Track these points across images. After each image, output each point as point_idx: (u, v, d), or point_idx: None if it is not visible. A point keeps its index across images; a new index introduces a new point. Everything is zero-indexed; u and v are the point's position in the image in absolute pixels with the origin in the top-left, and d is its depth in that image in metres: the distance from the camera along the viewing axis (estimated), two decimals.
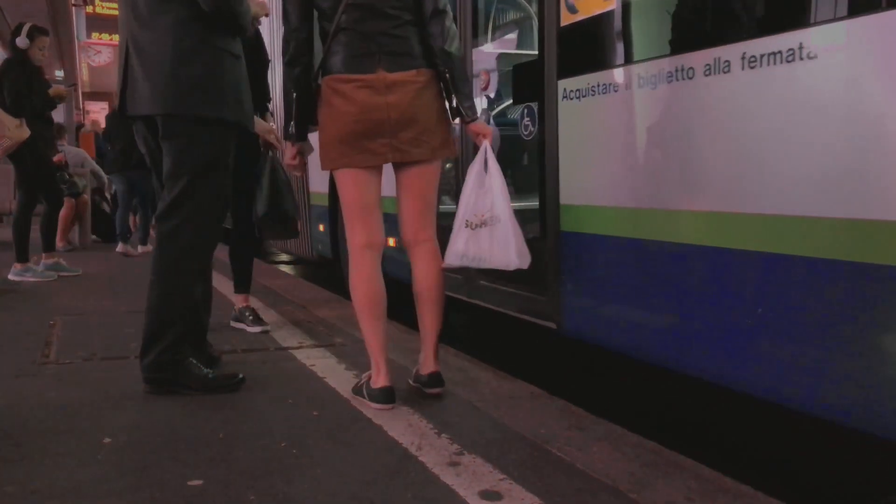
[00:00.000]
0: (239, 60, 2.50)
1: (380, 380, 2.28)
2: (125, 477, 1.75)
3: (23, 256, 5.27)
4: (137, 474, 1.76)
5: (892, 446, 1.71)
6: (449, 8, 2.31)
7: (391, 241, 3.12)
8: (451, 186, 3.56)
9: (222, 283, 4.05)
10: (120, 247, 7.14)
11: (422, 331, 2.41)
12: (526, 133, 3.08)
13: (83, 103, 16.47)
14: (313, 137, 2.39)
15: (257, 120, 3.18)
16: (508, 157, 3.51)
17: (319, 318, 3.83)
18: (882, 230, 1.63)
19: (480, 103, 3.60)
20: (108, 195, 8.84)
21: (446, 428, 2.08)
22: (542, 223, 2.82)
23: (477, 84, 3.58)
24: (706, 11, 2.19)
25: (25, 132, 4.89)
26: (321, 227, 5.44)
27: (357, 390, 2.37)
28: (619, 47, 2.47)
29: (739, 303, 2.03)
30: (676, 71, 2.18)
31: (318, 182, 5.28)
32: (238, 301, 3.58)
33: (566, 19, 2.66)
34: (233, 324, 3.54)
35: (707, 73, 2.07)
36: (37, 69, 5.15)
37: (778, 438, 2.48)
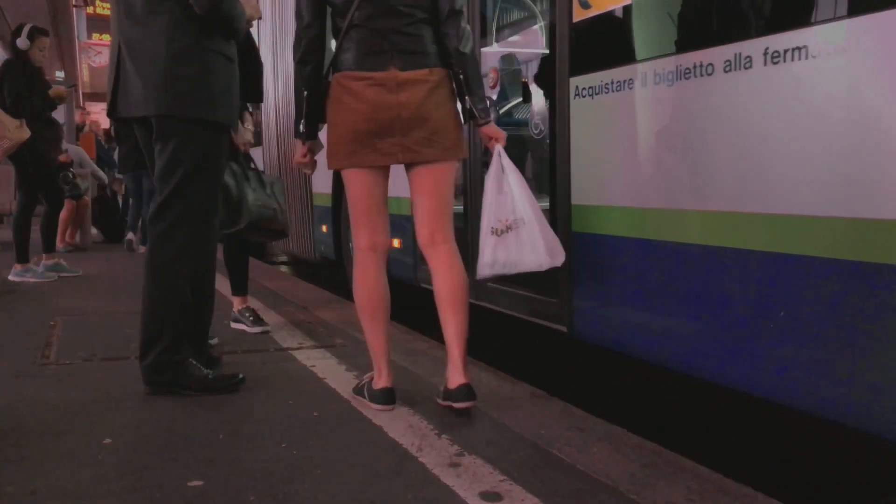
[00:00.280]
0: (232, 63, 2.50)
1: (381, 381, 2.27)
2: (125, 477, 1.75)
3: (23, 257, 5.27)
4: (137, 474, 1.76)
5: (892, 446, 1.70)
6: (465, 9, 2.26)
7: (396, 243, 3.09)
8: (457, 188, 3.53)
9: (222, 284, 4.04)
10: (129, 234, 7.17)
11: (447, 339, 2.24)
12: (537, 132, 3.02)
13: (83, 104, 16.50)
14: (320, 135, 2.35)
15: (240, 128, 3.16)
16: (519, 156, 3.44)
17: (320, 318, 3.83)
18: None
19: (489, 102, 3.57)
20: (107, 193, 8.85)
21: (446, 429, 2.08)
22: (553, 224, 2.78)
23: (485, 82, 3.55)
24: (726, 4, 2.11)
25: (26, 133, 4.89)
26: (324, 228, 5.38)
27: (358, 390, 2.36)
28: (634, 43, 2.40)
29: (763, 308, 1.94)
30: (694, 67, 2.11)
31: (320, 182, 5.25)
32: (236, 303, 3.58)
33: (579, 15, 2.60)
34: (233, 325, 3.54)
35: (727, 69, 2.00)
36: (37, 70, 5.16)
37: (778, 438, 2.48)
